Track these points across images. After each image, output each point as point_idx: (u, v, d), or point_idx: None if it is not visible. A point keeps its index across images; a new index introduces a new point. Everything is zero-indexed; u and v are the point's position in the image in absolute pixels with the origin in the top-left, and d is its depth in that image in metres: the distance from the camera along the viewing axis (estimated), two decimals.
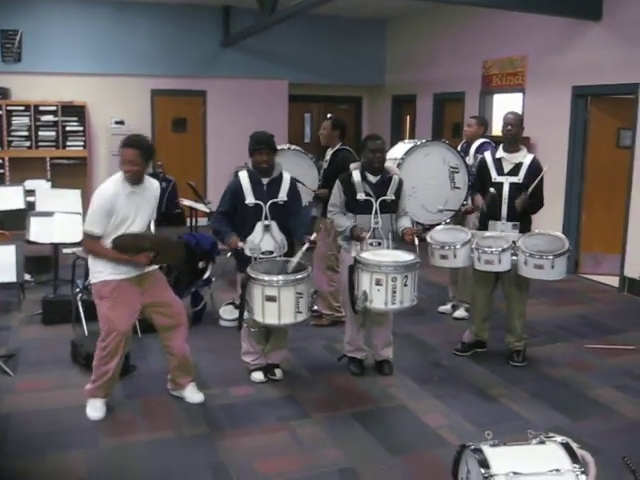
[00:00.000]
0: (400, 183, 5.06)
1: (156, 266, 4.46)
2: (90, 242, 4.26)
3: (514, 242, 5.12)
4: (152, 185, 4.44)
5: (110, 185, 4.26)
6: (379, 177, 4.99)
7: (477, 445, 2.66)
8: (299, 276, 4.42)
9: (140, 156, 4.17)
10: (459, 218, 6.39)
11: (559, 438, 2.75)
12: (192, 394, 4.65)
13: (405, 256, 4.65)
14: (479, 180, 5.62)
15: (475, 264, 5.20)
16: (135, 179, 4.23)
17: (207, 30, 11.65)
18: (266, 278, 4.38)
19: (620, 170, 7.89)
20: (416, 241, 4.78)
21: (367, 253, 4.70)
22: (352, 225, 4.89)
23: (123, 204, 4.20)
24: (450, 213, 6.29)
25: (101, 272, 4.26)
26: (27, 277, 7.39)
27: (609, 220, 8.21)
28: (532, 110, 8.78)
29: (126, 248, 4.20)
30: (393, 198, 5.00)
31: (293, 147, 6.47)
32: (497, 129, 9.19)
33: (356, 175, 4.98)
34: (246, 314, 4.60)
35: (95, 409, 4.38)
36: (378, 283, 4.50)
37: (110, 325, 4.26)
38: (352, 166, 5.11)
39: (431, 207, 6.25)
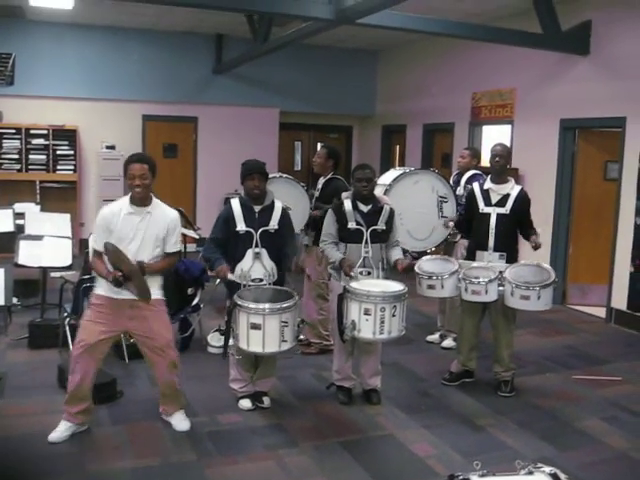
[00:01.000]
0: (391, 213, 5.09)
1: (156, 297, 4.41)
2: (93, 257, 4.46)
3: (501, 272, 5.15)
4: (164, 213, 4.45)
5: (114, 204, 4.42)
6: (370, 206, 5.01)
7: (466, 475, 2.65)
8: (285, 305, 4.42)
9: (149, 170, 4.29)
10: (448, 247, 6.43)
11: (547, 469, 2.74)
12: (178, 422, 4.63)
13: (394, 286, 4.66)
14: (467, 210, 5.67)
15: (462, 294, 5.23)
16: (145, 194, 4.31)
17: (199, 57, 11.74)
18: (252, 305, 4.38)
19: (607, 202, 7.98)
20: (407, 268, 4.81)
21: (356, 282, 4.71)
22: (341, 258, 4.90)
23: (120, 223, 4.28)
24: (438, 239, 6.31)
25: (99, 286, 4.40)
26: (14, 300, 7.35)
27: (596, 251, 8.27)
28: (520, 142, 8.88)
29: (109, 256, 4.24)
30: (384, 228, 5.01)
31: (285, 175, 6.50)
32: (486, 160, 9.28)
33: (347, 204, 5.01)
34: (231, 341, 4.59)
35: (56, 430, 4.36)
36: (367, 313, 4.51)
37: (81, 333, 4.38)
38: (344, 195, 5.15)
39: (417, 235, 6.26)
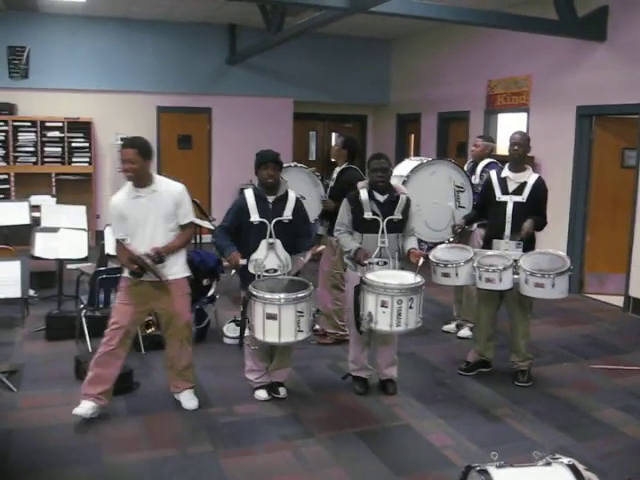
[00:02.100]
0: (408, 202, 5.05)
1: (180, 275, 4.65)
2: (118, 246, 4.63)
3: (516, 261, 5.11)
4: (170, 187, 4.55)
5: (119, 193, 4.57)
6: (387, 196, 4.98)
7: (483, 466, 2.63)
8: (300, 295, 4.41)
9: (138, 154, 4.34)
10: (464, 237, 6.39)
11: (565, 460, 2.72)
12: (186, 400, 4.79)
13: (411, 278, 4.64)
14: (483, 198, 5.63)
15: (477, 282, 5.20)
16: (135, 178, 4.42)
17: (213, 48, 11.74)
18: (267, 296, 4.38)
19: (624, 190, 7.90)
20: (420, 262, 4.77)
21: (373, 274, 4.68)
22: (357, 248, 4.88)
23: (131, 209, 4.45)
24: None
25: (126, 269, 4.57)
26: (31, 292, 7.40)
27: (613, 240, 8.20)
28: (536, 130, 8.80)
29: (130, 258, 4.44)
30: (400, 217, 4.98)
31: (299, 165, 6.49)
32: (501, 148, 9.22)
33: (363, 194, 4.97)
34: (247, 332, 4.59)
35: (81, 407, 4.47)
36: (384, 305, 4.48)
37: (114, 315, 4.57)
38: (360, 184, 5.11)
39: (434, 225, 6.24)
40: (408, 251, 4.94)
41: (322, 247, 4.96)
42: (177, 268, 4.62)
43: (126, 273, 4.55)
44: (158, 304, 4.63)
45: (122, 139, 4.54)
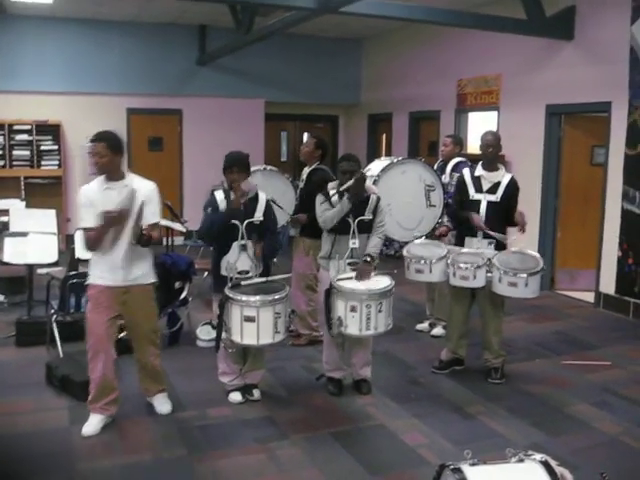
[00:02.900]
0: (377, 201, 5.05)
1: (149, 280, 4.57)
2: (85, 235, 4.42)
3: (489, 259, 5.15)
4: (142, 184, 4.46)
5: (91, 182, 4.49)
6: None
7: (456, 464, 2.64)
8: (277, 296, 4.41)
9: (107, 148, 4.29)
10: (433, 237, 6.41)
11: (538, 456, 2.74)
12: (160, 404, 4.76)
13: (380, 282, 4.66)
14: (458, 197, 5.66)
15: (450, 279, 5.23)
16: (105, 171, 4.37)
17: (183, 49, 11.66)
18: (244, 298, 4.37)
19: (594, 187, 7.99)
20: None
21: (343, 280, 4.70)
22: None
23: (100, 199, 4.32)
24: (427, 228, 6.31)
25: (91, 275, 4.49)
26: (1, 298, 7.30)
27: (584, 236, 8.28)
28: (507, 128, 8.86)
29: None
30: (371, 217, 4.99)
31: (269, 167, 6.46)
32: (472, 147, 9.27)
33: (334, 195, 4.97)
34: (224, 334, 4.57)
35: (89, 424, 4.44)
36: (353, 310, 4.53)
37: (88, 326, 4.48)
38: (330, 185, 5.10)
39: (406, 224, 6.25)
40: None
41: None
42: (143, 273, 4.52)
43: (92, 279, 4.47)
44: (125, 309, 4.51)
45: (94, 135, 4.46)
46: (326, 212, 4.95)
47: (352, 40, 12.88)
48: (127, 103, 11.53)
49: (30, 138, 10.61)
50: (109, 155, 4.30)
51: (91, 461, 4.09)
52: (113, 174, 4.39)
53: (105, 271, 4.41)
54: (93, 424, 4.42)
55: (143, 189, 4.42)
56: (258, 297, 4.38)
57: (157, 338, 4.78)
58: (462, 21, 7.99)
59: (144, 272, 4.53)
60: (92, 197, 4.37)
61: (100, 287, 4.43)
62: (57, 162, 10.81)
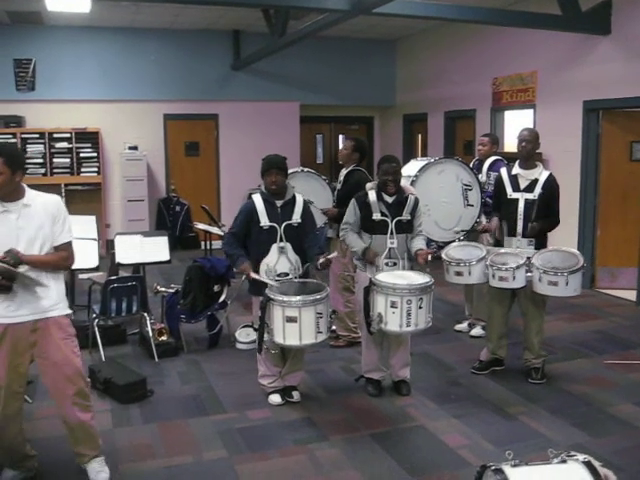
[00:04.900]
0: (416, 202, 5.05)
1: (58, 313, 3.75)
2: None
3: (529, 259, 5.10)
4: (45, 200, 3.72)
5: None
6: (395, 197, 4.97)
7: (498, 465, 2.63)
8: (318, 296, 4.42)
9: (4, 164, 3.50)
10: (472, 236, 6.38)
11: (581, 457, 2.71)
12: (95, 474, 3.89)
13: (420, 278, 4.64)
14: (495, 196, 5.62)
15: (490, 281, 5.19)
16: (4, 191, 3.57)
17: (218, 54, 11.78)
18: (286, 299, 4.38)
19: (634, 183, 7.88)
20: (429, 258, 4.77)
21: (382, 275, 4.69)
22: (364, 247, 4.89)
23: None
24: (465, 228, 6.29)
25: None
26: None
27: (624, 234, 8.16)
28: (543, 126, 8.76)
29: None
30: (409, 218, 4.98)
31: (306, 169, 6.49)
32: (508, 146, 9.20)
33: (372, 195, 4.97)
34: (266, 336, 4.59)
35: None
36: (393, 305, 4.49)
37: None
38: (368, 186, 5.11)
39: (444, 225, 6.24)
40: (415, 252, 4.93)
41: (334, 254, 4.97)
42: (55, 302, 3.73)
43: None
44: (37, 350, 3.70)
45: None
46: (350, 233, 5.04)
47: (386, 41, 12.87)
48: (164, 109, 11.69)
49: (70, 146, 10.79)
50: (6, 173, 3.51)
51: (134, 463, 4.15)
52: (10, 194, 3.60)
53: (5, 306, 3.60)
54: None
55: (48, 205, 3.70)
56: (299, 297, 4.39)
57: (85, 385, 3.89)
58: (496, 19, 7.93)
59: (55, 300, 3.75)
60: None
61: (2, 327, 3.62)
62: (96, 169, 10.96)
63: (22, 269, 3.53)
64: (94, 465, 3.90)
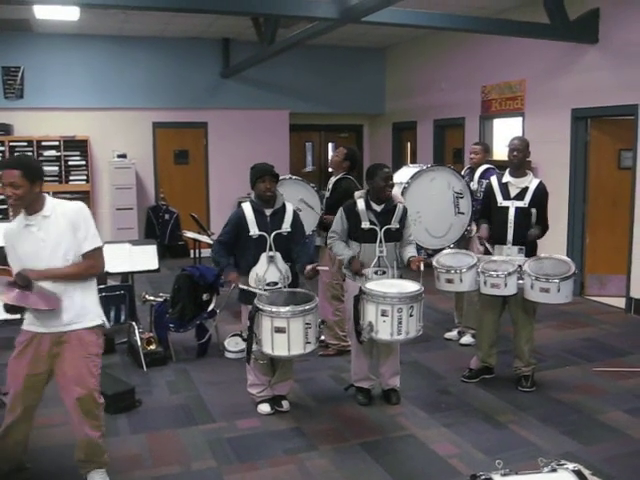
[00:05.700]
0: (404, 211, 5.05)
1: (81, 326, 3.71)
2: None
3: (520, 266, 5.10)
4: (65, 208, 3.71)
5: (13, 222, 3.79)
6: (383, 206, 4.98)
7: (488, 475, 2.61)
8: (307, 307, 4.40)
9: (23, 177, 3.51)
10: (463, 243, 6.39)
11: (571, 465, 2.70)
12: None
13: (411, 286, 4.63)
14: (485, 204, 5.63)
15: (481, 288, 5.19)
16: (21, 205, 3.62)
17: (207, 62, 11.76)
18: (274, 309, 4.36)
19: (622, 191, 7.90)
20: (422, 267, 4.76)
21: (372, 283, 4.68)
22: (350, 257, 4.88)
23: (21, 240, 3.65)
24: (456, 236, 6.29)
25: (24, 320, 3.76)
26: None
27: (613, 241, 8.19)
28: (532, 133, 8.78)
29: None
30: (397, 227, 4.98)
31: (294, 177, 6.48)
32: (497, 154, 9.22)
33: (360, 204, 4.97)
34: (254, 346, 4.56)
35: None
36: (384, 314, 4.48)
37: (8, 379, 3.78)
38: (357, 194, 5.11)
39: (435, 232, 6.24)
40: (408, 260, 4.92)
41: (324, 268, 4.96)
42: (76, 315, 3.69)
43: (23, 325, 3.74)
44: (55, 362, 3.71)
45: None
46: (337, 242, 5.02)
47: (375, 49, 12.90)
48: (153, 117, 11.65)
49: (58, 154, 10.74)
50: (26, 186, 3.53)
51: (122, 473, 4.10)
52: (31, 207, 3.63)
53: (34, 316, 3.67)
54: None
55: (68, 212, 3.68)
56: (288, 308, 4.37)
57: (96, 408, 3.84)
58: (485, 27, 7.96)
59: (80, 312, 3.72)
60: (12, 239, 3.68)
61: (29, 334, 3.70)
62: (85, 177, 10.92)
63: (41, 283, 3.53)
64: (95, 476, 3.89)
